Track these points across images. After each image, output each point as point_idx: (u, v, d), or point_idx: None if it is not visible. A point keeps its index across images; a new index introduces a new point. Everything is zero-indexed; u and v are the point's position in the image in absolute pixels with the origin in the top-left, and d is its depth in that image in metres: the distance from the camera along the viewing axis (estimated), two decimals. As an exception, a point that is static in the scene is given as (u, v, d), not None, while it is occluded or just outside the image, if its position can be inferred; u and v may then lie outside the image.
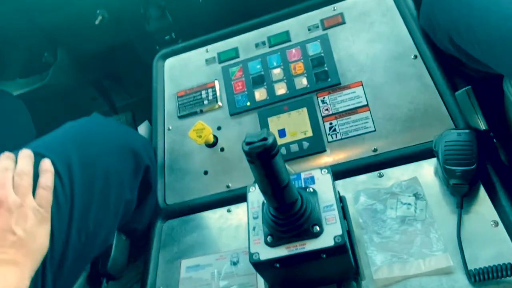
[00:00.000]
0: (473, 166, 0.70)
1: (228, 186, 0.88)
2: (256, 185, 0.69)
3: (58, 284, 0.62)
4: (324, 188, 0.65)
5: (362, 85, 0.88)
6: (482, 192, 0.70)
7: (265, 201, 0.63)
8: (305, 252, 0.60)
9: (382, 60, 0.89)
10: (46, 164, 0.64)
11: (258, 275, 0.70)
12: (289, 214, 0.60)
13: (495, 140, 0.76)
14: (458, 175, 0.70)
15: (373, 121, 0.84)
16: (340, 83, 0.89)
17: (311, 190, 0.65)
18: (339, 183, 0.81)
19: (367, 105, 0.86)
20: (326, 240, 0.60)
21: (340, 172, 0.82)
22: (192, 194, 0.90)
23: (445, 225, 0.69)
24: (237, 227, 0.83)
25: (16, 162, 0.64)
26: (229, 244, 0.81)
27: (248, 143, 0.53)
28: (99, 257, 0.78)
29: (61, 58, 1.24)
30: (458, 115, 0.79)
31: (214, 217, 0.86)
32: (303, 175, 0.68)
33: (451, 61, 0.83)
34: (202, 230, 0.85)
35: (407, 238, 0.70)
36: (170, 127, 0.98)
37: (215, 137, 0.92)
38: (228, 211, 0.85)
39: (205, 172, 0.91)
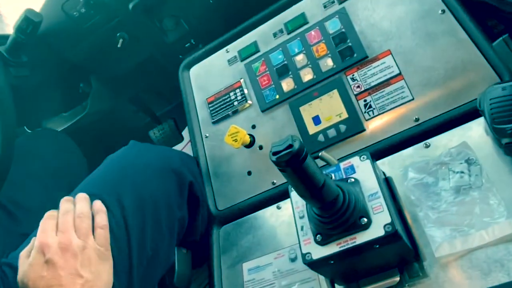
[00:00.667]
0: (525, 121, 0.64)
1: (273, 183, 0.88)
2: (297, 185, 0.69)
3: None
4: (365, 175, 0.63)
5: (391, 53, 0.83)
6: (540, 147, 0.65)
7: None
8: (357, 245, 0.59)
9: (408, 22, 0.83)
10: (98, 205, 0.67)
11: (318, 269, 0.70)
12: (333, 212, 0.59)
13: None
14: (509, 133, 0.65)
15: (409, 89, 0.80)
16: (367, 56, 0.85)
17: (352, 180, 0.63)
18: (385, 161, 0.78)
19: (400, 74, 0.81)
20: (376, 230, 0.58)
21: (383, 150, 0.79)
22: (240, 196, 0.91)
23: (504, 188, 0.64)
24: (289, 223, 0.83)
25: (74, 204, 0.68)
26: (284, 241, 0.81)
27: (274, 153, 0.52)
28: (165, 274, 0.81)
29: (95, 85, 1.29)
30: (501, 66, 0.72)
31: (265, 216, 0.86)
32: (342, 165, 0.67)
33: (481, 9, 0.76)
34: (257, 231, 0.86)
35: (465, 209, 0.66)
36: (207, 135, 1.00)
37: (252, 137, 0.92)
38: (278, 207, 0.86)
39: (249, 173, 0.92)
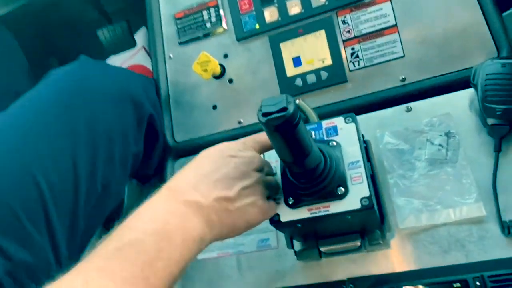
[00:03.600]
0: (517, 104, 0.61)
1: (240, 122, 0.82)
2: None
3: (72, 249, 0.61)
4: (348, 140, 0.59)
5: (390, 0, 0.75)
6: (524, 132, 0.63)
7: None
8: (329, 214, 0.56)
9: (416, -33, 0.74)
10: None
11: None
12: (311, 178, 0.54)
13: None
14: (498, 114, 0.62)
15: (402, 44, 0.74)
16: (364, -2, 0.76)
17: (334, 143, 0.59)
18: (362, 117, 0.73)
19: (395, 25, 0.74)
20: (352, 202, 0.55)
21: (362, 106, 0.75)
22: (202, 130, 0.84)
23: (479, 169, 0.63)
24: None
25: None
26: (245, 186, 0.77)
27: (265, 114, 0.46)
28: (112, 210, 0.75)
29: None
30: (503, 39, 0.67)
31: (227, 156, 0.81)
32: (324, 124, 0.61)
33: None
34: (216, 171, 0.81)
35: (437, 184, 0.65)
36: (171, 55, 0.88)
37: (222, 67, 0.83)
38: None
39: (214, 107, 0.84)
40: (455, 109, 0.68)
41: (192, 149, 0.84)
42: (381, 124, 0.72)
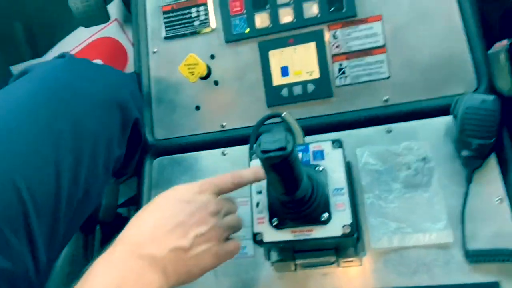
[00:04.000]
0: (491, 140, 0.65)
1: (222, 126, 0.82)
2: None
3: (51, 255, 0.60)
4: (334, 166, 0.61)
5: (381, 19, 0.75)
6: (494, 165, 0.67)
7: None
8: (312, 238, 0.58)
9: (410, -9, 0.75)
10: None
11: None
12: (298, 204, 0.56)
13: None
14: (473, 148, 0.66)
15: (388, 66, 0.75)
16: (356, 15, 0.76)
17: (321, 169, 0.60)
18: (344, 133, 0.75)
19: (384, 45, 0.75)
20: (334, 228, 0.58)
21: (345, 123, 0.76)
22: (183, 130, 0.83)
23: (451, 197, 0.67)
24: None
25: None
26: (224, 192, 0.78)
27: (264, 151, 0.46)
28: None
29: None
30: (483, 74, 0.70)
31: (207, 159, 0.81)
32: (311, 148, 0.63)
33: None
34: (195, 173, 0.81)
35: (411, 207, 0.68)
36: (156, 50, 0.85)
37: (208, 67, 0.81)
38: (223, 154, 0.80)
39: (197, 108, 0.83)
40: (433, 135, 0.71)
41: (171, 148, 0.83)
42: (361, 142, 0.74)
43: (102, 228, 0.79)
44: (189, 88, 0.83)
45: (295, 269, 0.69)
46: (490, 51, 0.67)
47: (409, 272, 0.66)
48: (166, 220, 0.52)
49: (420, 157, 0.71)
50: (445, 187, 0.68)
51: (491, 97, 0.66)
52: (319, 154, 0.62)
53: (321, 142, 0.62)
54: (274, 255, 0.69)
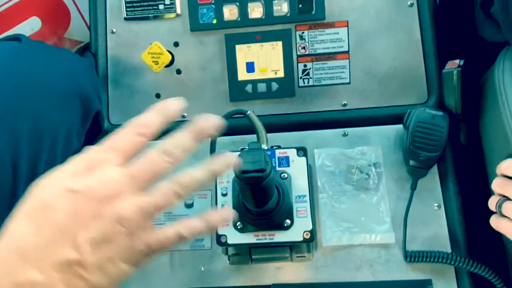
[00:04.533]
0: (437, 153, 0.72)
1: (184, 116, 0.81)
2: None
3: None
4: (298, 173, 0.64)
5: (347, 26, 0.78)
6: (435, 175, 0.74)
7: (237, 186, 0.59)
8: (273, 242, 0.61)
9: (377, 1, 0.77)
10: None
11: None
12: (264, 212, 0.58)
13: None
14: (420, 159, 0.72)
15: (350, 72, 0.78)
16: (324, 18, 0.77)
17: (285, 176, 0.63)
18: (303, 133, 0.79)
19: (348, 52, 0.78)
20: (295, 233, 0.61)
21: (304, 123, 0.79)
22: (141, 117, 0.81)
23: (396, 201, 0.74)
24: (190, 166, 0.79)
25: None
26: (182, 183, 0.78)
27: (244, 172, 0.47)
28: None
29: None
30: (434, 89, 0.76)
31: (166, 149, 0.80)
32: (277, 153, 0.65)
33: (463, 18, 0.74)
34: (153, 163, 0.80)
35: (360, 209, 0.74)
36: (114, 30, 0.81)
37: (171, 55, 0.79)
38: (182, 145, 0.80)
39: (157, 95, 0.81)
40: (385, 141, 0.77)
41: (128, 134, 0.81)
42: (318, 144, 0.78)
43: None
44: (150, 74, 0.80)
45: (251, 263, 0.72)
46: (444, 70, 0.72)
47: (354, 268, 0.72)
48: (44, 224, 0.35)
49: (371, 162, 0.76)
50: (390, 191, 0.74)
51: (440, 113, 0.72)
52: (285, 161, 0.64)
53: (287, 149, 0.65)
54: (231, 249, 0.72)
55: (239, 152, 0.58)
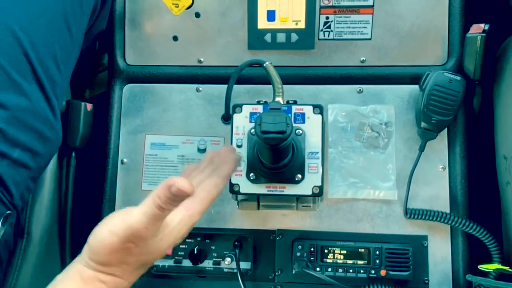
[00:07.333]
0: (450, 118, 0.73)
1: (200, 61, 0.80)
2: (245, 108, 0.66)
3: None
4: (313, 130, 0.65)
5: (375, -22, 0.75)
6: (445, 137, 0.76)
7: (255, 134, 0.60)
8: (283, 194, 0.64)
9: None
10: None
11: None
12: (277, 167, 0.61)
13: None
14: (432, 122, 0.73)
15: (372, 27, 0.77)
16: (350, -31, 0.74)
17: (300, 132, 0.64)
18: (319, 88, 0.79)
19: (372, 6, 0.76)
20: (305, 187, 0.64)
21: (321, 77, 0.79)
22: (157, 59, 0.81)
23: (402, 161, 0.76)
24: (204, 110, 0.80)
25: None
26: (196, 128, 0.80)
27: (264, 132, 0.49)
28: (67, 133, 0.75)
29: None
30: (455, 52, 0.75)
31: (181, 93, 0.81)
32: (294, 109, 0.66)
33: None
34: (168, 106, 0.81)
35: (367, 165, 0.76)
36: (133, -35, 0.78)
37: (191, -3, 0.77)
38: (198, 90, 0.81)
39: (175, 38, 0.80)
40: (398, 101, 0.78)
41: (143, 76, 0.81)
42: (333, 99, 0.79)
43: (77, 156, 0.79)
44: (168, 15, 0.79)
45: (258, 208, 0.76)
46: (468, 34, 0.71)
47: (356, 220, 0.76)
48: None
49: (383, 120, 0.77)
50: (398, 151, 0.76)
51: (458, 78, 0.72)
52: (301, 117, 0.65)
53: (303, 105, 0.65)
54: (240, 195, 0.76)
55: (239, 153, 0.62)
